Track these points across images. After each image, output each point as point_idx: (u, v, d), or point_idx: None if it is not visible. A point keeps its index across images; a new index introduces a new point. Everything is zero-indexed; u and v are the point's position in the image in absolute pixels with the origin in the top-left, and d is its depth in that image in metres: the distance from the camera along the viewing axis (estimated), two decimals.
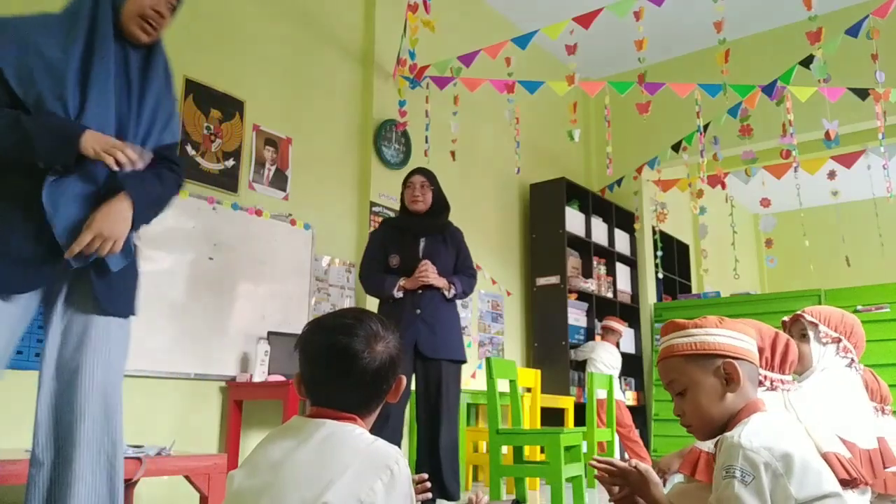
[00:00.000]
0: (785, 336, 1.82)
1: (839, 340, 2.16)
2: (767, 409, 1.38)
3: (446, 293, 3.31)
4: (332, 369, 1.25)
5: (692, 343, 1.41)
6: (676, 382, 1.43)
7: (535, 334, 5.92)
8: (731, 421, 1.37)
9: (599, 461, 1.56)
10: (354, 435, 1.20)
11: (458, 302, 3.46)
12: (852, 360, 2.16)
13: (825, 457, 1.69)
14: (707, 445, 1.82)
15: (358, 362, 1.23)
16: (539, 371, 4.73)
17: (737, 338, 1.40)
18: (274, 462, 1.19)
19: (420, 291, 3.28)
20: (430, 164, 4.80)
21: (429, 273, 3.24)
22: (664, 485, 1.63)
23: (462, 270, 3.44)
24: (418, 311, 3.24)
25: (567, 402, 5.21)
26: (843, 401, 2.03)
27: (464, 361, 3.37)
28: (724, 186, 5.79)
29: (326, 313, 1.37)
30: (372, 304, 3.69)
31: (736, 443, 1.27)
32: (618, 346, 5.82)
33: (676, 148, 5.99)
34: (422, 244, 3.38)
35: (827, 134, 4.48)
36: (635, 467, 1.48)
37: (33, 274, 1.67)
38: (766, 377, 1.77)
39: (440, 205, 3.46)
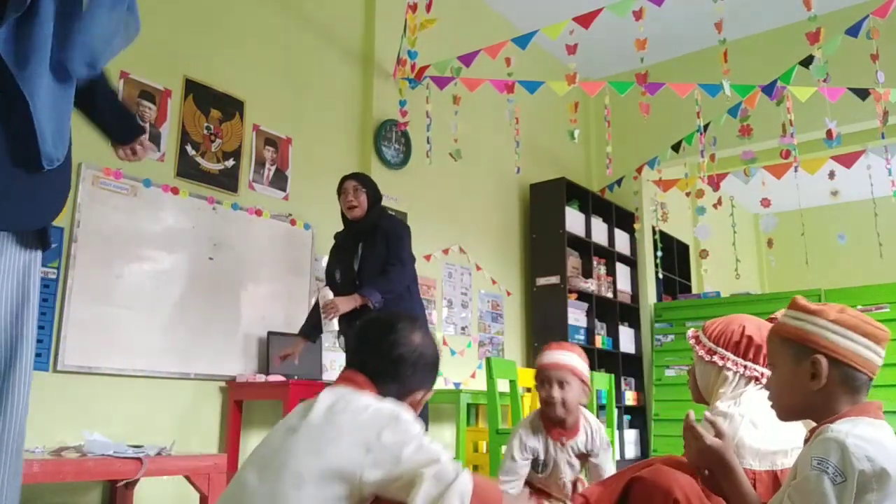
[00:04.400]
0: None
1: None
2: (878, 415, 1.31)
3: (371, 306, 3.23)
4: (369, 337, 1.45)
5: (794, 327, 1.38)
6: (770, 357, 1.44)
7: (535, 334, 5.92)
8: (827, 416, 1.32)
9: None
10: (361, 395, 1.31)
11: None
12: None
13: None
14: None
15: (392, 335, 1.42)
16: None
17: (846, 336, 1.33)
18: (289, 427, 1.28)
19: (352, 311, 3.22)
20: (431, 165, 4.81)
21: (329, 313, 3.19)
22: None
23: (386, 265, 3.33)
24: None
25: None
26: None
27: None
28: (717, 188, 5.79)
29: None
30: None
31: (841, 441, 1.21)
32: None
33: (676, 148, 5.99)
34: (360, 251, 3.41)
35: (828, 133, 4.48)
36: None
37: None
38: (762, 374, 1.78)
39: (374, 202, 3.48)
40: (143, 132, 1.81)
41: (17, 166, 1.14)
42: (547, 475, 2.41)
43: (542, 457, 2.40)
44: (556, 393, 2.34)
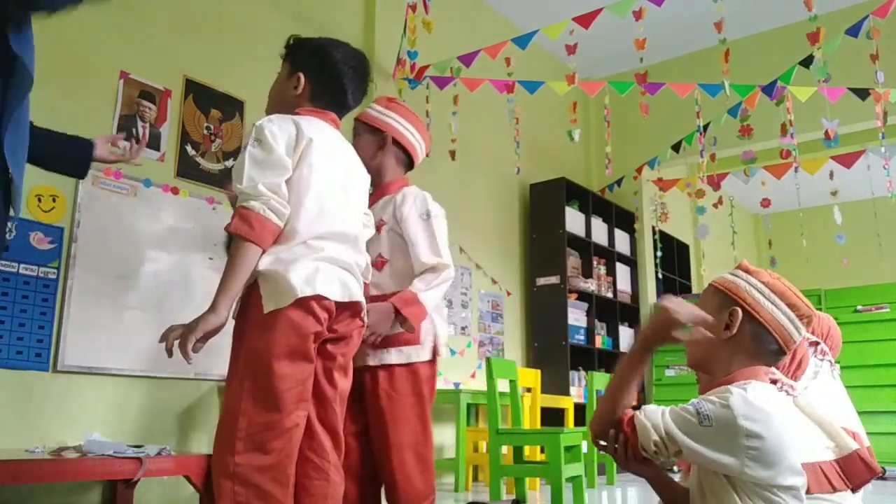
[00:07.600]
0: (804, 343, 1.81)
1: (817, 344, 2.13)
2: (765, 381, 1.38)
3: None
4: (359, 78, 1.93)
5: (728, 280, 1.45)
6: (700, 303, 1.49)
7: (535, 334, 5.92)
8: (722, 371, 1.39)
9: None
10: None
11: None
12: (830, 361, 2.14)
13: (851, 459, 1.69)
14: None
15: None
16: (539, 371, 4.73)
17: (770, 298, 1.39)
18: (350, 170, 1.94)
19: None
20: (430, 165, 4.80)
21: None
22: None
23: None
24: None
25: (567, 402, 5.21)
26: (837, 402, 2.03)
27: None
28: (717, 188, 5.79)
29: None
30: None
31: (725, 398, 1.27)
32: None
33: (676, 148, 5.99)
34: None
35: (826, 133, 4.48)
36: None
37: None
38: (779, 381, 1.78)
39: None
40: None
41: None
42: None
43: None
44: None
